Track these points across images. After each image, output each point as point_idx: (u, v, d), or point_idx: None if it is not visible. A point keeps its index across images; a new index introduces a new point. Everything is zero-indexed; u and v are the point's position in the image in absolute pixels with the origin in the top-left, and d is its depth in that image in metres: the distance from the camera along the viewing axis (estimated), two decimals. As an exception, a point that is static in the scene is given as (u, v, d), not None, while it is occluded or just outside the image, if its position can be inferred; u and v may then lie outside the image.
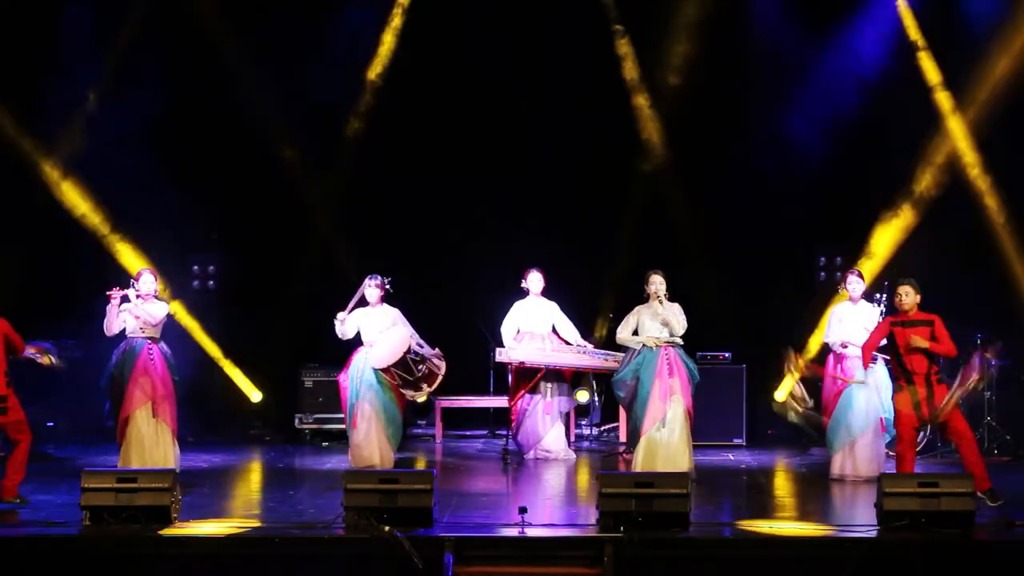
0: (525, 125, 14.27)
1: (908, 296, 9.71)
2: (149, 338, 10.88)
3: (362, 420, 11.43)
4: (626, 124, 14.35)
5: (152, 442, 10.75)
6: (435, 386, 11.70)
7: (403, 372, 11.43)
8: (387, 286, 11.57)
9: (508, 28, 14.21)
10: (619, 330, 11.09)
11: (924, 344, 9.52)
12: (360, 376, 11.43)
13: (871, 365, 10.92)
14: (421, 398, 11.91)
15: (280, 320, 14.01)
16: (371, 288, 11.56)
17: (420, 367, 11.50)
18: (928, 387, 9.58)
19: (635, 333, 10.99)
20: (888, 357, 10.17)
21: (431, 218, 14.50)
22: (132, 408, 10.73)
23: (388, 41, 14.48)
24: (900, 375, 9.71)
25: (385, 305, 11.63)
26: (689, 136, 14.22)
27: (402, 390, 11.51)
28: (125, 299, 10.77)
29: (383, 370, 11.41)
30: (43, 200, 13.85)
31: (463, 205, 14.37)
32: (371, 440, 11.42)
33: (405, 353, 11.38)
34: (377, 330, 11.52)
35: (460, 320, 13.09)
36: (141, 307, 10.78)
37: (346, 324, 11.48)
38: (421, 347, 11.56)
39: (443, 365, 11.68)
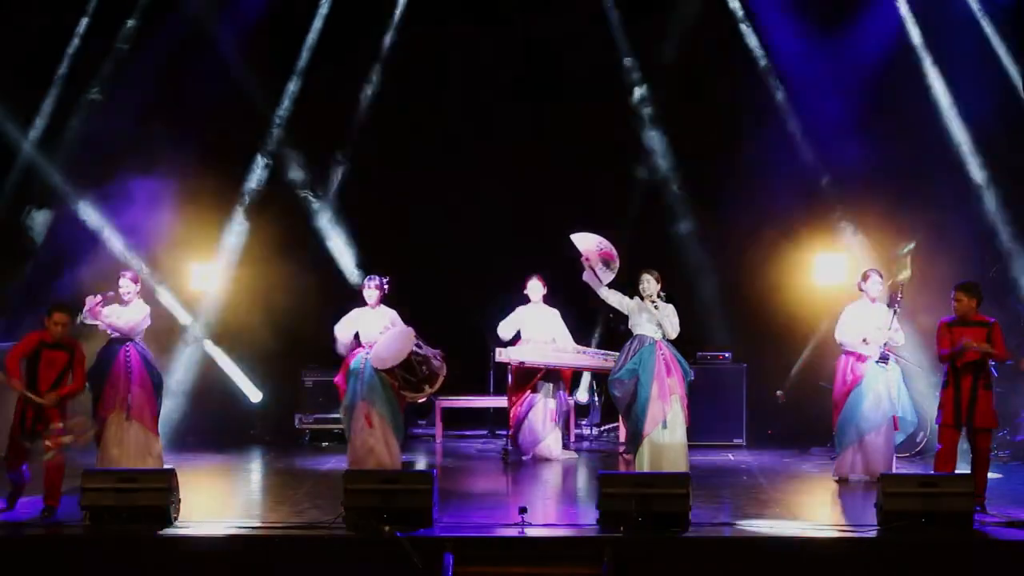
0: (526, 126, 14.28)
1: (960, 302, 9.71)
2: (126, 340, 10.87)
3: (373, 422, 11.25)
4: (627, 124, 14.34)
5: (127, 444, 10.73)
6: (436, 387, 11.34)
7: (406, 373, 11.11)
8: (385, 287, 11.44)
9: (511, 30, 14.22)
10: (632, 327, 11.03)
11: (973, 345, 9.50)
12: (362, 377, 11.28)
13: (883, 365, 10.88)
14: (421, 399, 11.65)
15: (281, 320, 13.99)
16: (370, 289, 11.45)
17: (423, 368, 11.25)
18: (973, 391, 9.58)
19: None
20: (902, 357, 10.07)
21: (431, 218, 14.48)
22: (108, 412, 10.73)
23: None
24: (951, 373, 9.71)
25: (382, 306, 11.49)
26: (690, 136, 14.20)
27: (402, 391, 11.20)
28: (107, 303, 10.77)
29: (386, 371, 11.16)
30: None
31: (463, 205, 14.35)
32: (381, 442, 11.20)
33: (410, 354, 11.10)
34: (376, 331, 11.36)
35: (460, 320, 13.09)
36: (117, 315, 10.79)
37: (343, 328, 11.39)
38: (420, 348, 11.27)
39: (444, 366, 11.33)
